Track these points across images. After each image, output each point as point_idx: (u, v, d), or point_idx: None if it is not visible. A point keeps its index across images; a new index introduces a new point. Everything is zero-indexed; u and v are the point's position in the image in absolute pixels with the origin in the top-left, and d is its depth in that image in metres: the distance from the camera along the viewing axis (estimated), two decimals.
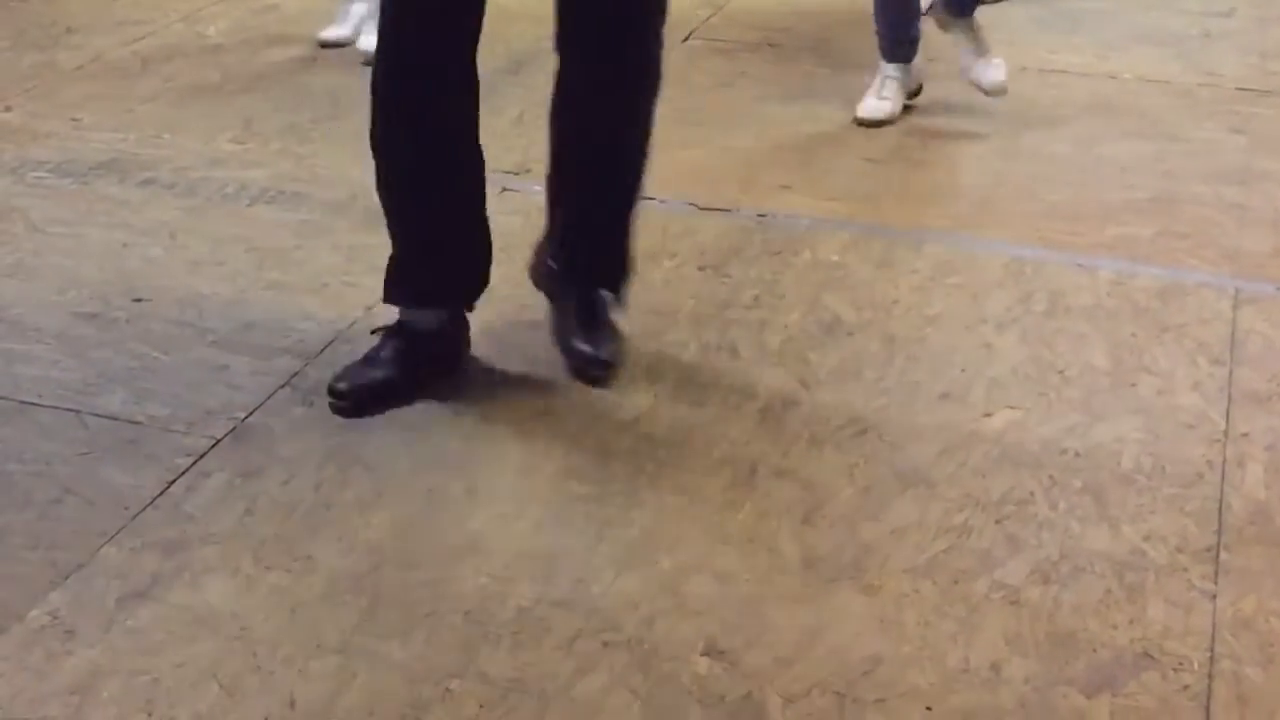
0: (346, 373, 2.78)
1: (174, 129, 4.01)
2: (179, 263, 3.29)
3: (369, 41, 4.36)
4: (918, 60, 3.94)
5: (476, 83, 2.75)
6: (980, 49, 3.88)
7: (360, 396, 2.74)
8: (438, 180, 2.76)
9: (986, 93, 3.90)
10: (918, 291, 3.16)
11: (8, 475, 2.57)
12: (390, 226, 2.82)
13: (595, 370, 2.82)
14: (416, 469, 2.59)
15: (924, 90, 4.02)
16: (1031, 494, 2.52)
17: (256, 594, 2.29)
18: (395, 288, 2.83)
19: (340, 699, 2.09)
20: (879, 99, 3.91)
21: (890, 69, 3.91)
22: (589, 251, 2.89)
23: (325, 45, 4.50)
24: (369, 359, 2.80)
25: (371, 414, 2.72)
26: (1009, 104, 3.86)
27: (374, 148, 2.79)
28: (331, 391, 2.75)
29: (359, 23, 4.48)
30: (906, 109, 3.95)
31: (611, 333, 2.87)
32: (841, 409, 2.75)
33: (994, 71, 3.88)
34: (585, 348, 2.83)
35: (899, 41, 3.88)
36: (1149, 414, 2.74)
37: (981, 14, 3.90)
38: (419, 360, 2.79)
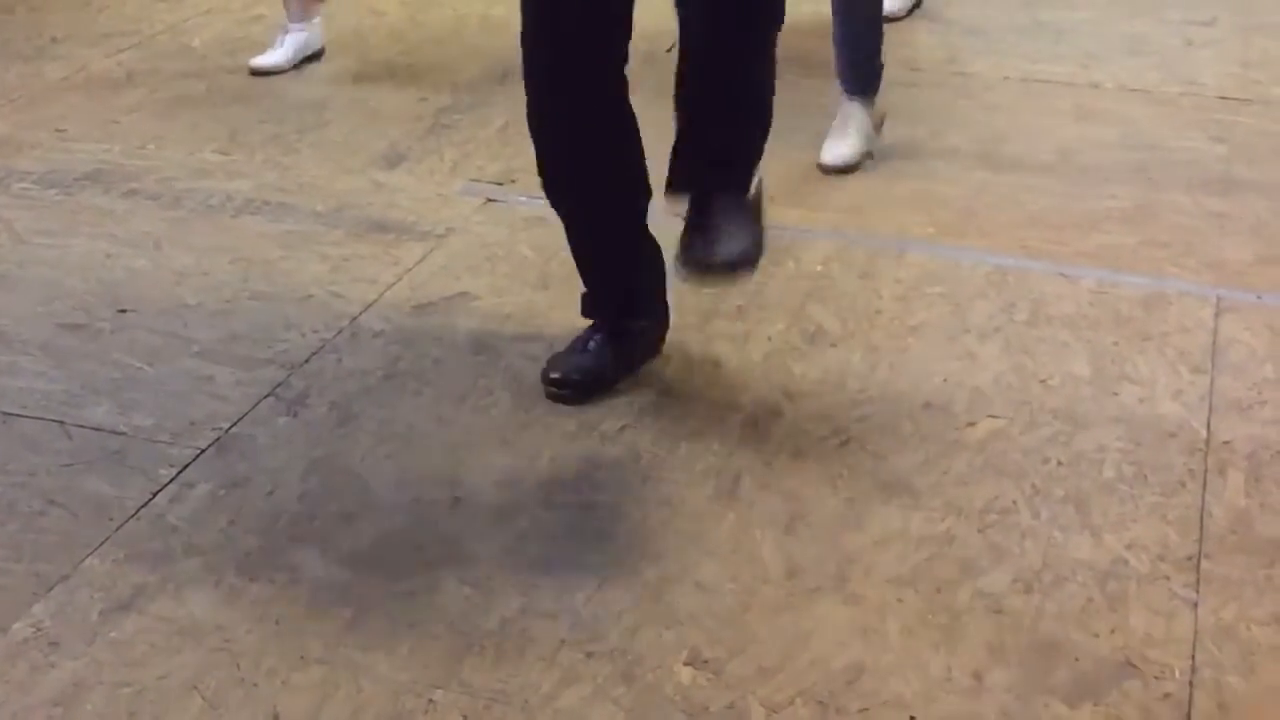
0: (558, 361, 2.84)
1: (159, 140, 4.02)
2: (164, 273, 3.30)
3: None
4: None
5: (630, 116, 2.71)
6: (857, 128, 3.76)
7: (575, 382, 2.80)
8: (601, 206, 2.77)
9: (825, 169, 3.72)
10: (900, 301, 3.17)
11: None
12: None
13: (708, 274, 2.58)
14: (400, 480, 2.59)
15: (903, 98, 4.04)
16: (1014, 503, 2.53)
17: (240, 605, 2.29)
18: (587, 305, 2.90)
19: (324, 710, 2.09)
20: (842, 140, 3.78)
21: (853, 105, 3.79)
22: (703, 172, 2.65)
23: (256, 73, 4.47)
24: (577, 348, 2.85)
25: (585, 401, 2.78)
26: (991, 114, 3.88)
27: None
28: (548, 380, 2.81)
29: (294, 54, 4.50)
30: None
31: (730, 232, 2.54)
32: (825, 419, 2.76)
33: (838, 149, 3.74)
34: (695, 253, 2.55)
35: (861, 74, 3.76)
36: (1131, 423, 2.75)
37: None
38: (625, 351, 2.87)
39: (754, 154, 2.67)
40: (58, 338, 3.04)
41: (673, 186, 2.64)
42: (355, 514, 2.50)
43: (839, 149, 3.75)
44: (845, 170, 3.74)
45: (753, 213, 2.63)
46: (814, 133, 3.79)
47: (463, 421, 2.76)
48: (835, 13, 3.70)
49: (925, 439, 2.70)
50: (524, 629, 2.24)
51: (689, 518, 2.49)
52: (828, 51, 3.74)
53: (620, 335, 2.88)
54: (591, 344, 2.87)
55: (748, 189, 2.65)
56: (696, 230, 2.55)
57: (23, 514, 2.50)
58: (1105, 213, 3.58)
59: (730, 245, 2.51)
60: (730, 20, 2.55)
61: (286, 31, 4.52)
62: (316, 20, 4.55)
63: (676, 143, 2.66)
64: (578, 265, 2.89)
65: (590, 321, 2.90)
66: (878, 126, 3.82)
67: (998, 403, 2.81)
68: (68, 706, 2.10)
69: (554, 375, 2.82)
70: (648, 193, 2.78)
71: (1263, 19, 4.93)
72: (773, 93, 2.70)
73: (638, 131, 2.73)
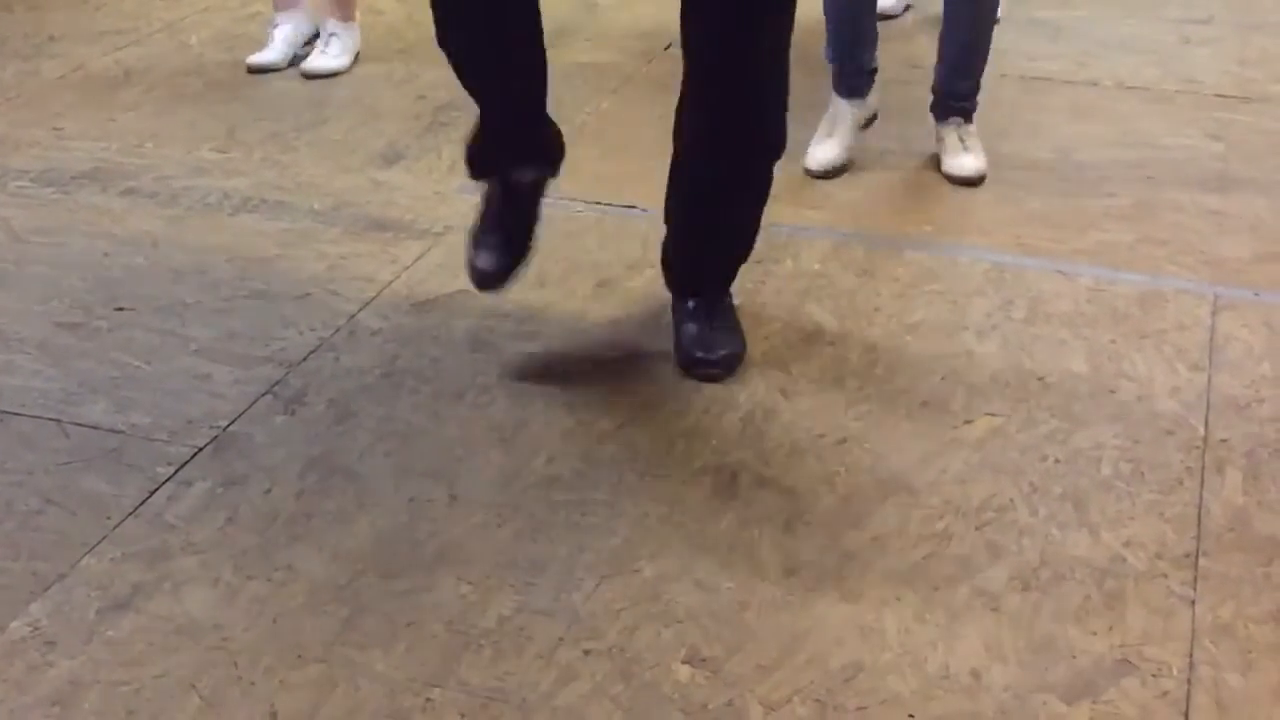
0: (477, 253, 2.85)
1: (156, 138, 4.01)
2: (161, 272, 3.29)
3: (318, 62, 4.42)
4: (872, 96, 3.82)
5: None
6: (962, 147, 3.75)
7: (491, 273, 2.84)
8: (502, 65, 2.73)
9: (961, 181, 3.71)
10: (898, 299, 3.17)
11: None
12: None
13: (702, 370, 2.88)
14: (398, 478, 2.59)
15: (902, 96, 4.03)
16: (1011, 501, 2.53)
17: (237, 604, 2.29)
18: (480, 160, 2.88)
19: (321, 709, 2.09)
20: (826, 138, 3.77)
21: (841, 104, 3.78)
22: (691, 280, 2.97)
23: (253, 71, 4.47)
24: (482, 232, 2.86)
25: (502, 286, 2.87)
26: (989, 111, 3.87)
27: (442, 45, 2.73)
28: (473, 271, 2.85)
29: (287, 48, 4.49)
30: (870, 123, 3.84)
31: (722, 335, 2.91)
32: (822, 417, 2.76)
33: (970, 161, 3.73)
34: (694, 352, 2.89)
35: (852, 72, 3.75)
36: (1128, 420, 2.75)
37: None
38: (527, 210, 2.87)
39: (738, 266, 2.99)
40: (55, 336, 3.04)
41: (670, 283, 2.99)
42: (352, 512, 2.50)
43: (974, 161, 3.75)
44: (833, 173, 3.76)
45: (733, 315, 2.96)
46: (812, 130, 3.79)
47: (460, 419, 2.76)
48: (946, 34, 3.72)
49: (923, 437, 2.70)
50: (521, 627, 2.24)
51: (687, 516, 2.49)
52: (820, 51, 3.74)
53: (519, 193, 2.87)
54: (490, 221, 2.86)
55: (730, 288, 2.99)
56: (691, 343, 2.89)
57: (20, 513, 2.50)
58: (1103, 210, 3.58)
59: (722, 349, 2.89)
60: (730, 151, 2.78)
61: (275, 25, 4.51)
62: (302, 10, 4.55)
63: (667, 242, 2.97)
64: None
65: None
66: (868, 123, 3.82)
67: (995, 400, 2.81)
68: (65, 705, 2.10)
69: (478, 265, 2.84)
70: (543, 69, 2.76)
71: (1260, 17, 4.94)
72: (762, 211, 2.92)
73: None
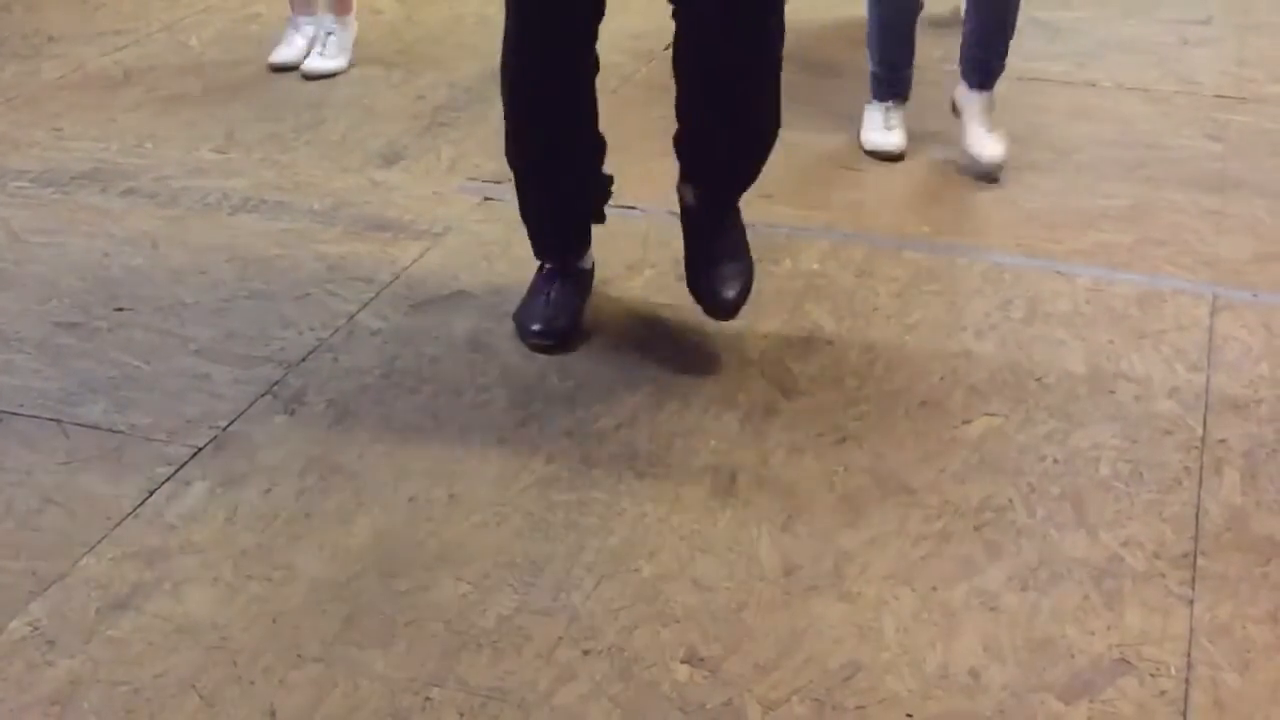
0: (532, 313, 2.98)
1: (156, 138, 4.02)
2: (161, 272, 3.30)
3: (317, 63, 4.44)
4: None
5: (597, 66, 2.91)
6: (988, 125, 3.76)
7: (559, 330, 2.97)
8: (566, 161, 2.93)
9: (984, 168, 3.72)
10: (897, 299, 3.18)
11: None
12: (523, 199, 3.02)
13: (718, 313, 2.90)
14: (397, 477, 2.59)
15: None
16: (1010, 501, 2.53)
17: (237, 603, 2.29)
18: (543, 248, 3.06)
19: (320, 708, 2.10)
20: (887, 129, 3.83)
21: (887, 106, 3.84)
22: (702, 176, 2.91)
23: (276, 69, 4.46)
24: (541, 300, 3.00)
25: (567, 349, 2.96)
26: None
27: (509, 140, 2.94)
28: (531, 333, 2.97)
29: (307, 45, 4.49)
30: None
31: (734, 271, 2.89)
32: (821, 417, 2.76)
33: (994, 146, 3.72)
34: (707, 291, 2.89)
35: (893, 79, 3.81)
36: (1127, 420, 2.76)
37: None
38: (581, 287, 3.07)
39: (750, 174, 2.90)
40: (55, 336, 3.04)
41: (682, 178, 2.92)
42: (352, 512, 2.51)
43: (997, 147, 3.74)
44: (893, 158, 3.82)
45: (744, 240, 2.92)
46: (812, 131, 3.79)
47: (459, 419, 2.76)
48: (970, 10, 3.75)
49: (922, 437, 2.70)
50: (520, 626, 2.25)
51: (685, 515, 2.50)
52: (829, 52, 3.74)
53: (573, 274, 3.04)
54: (553, 292, 3.00)
55: (736, 202, 2.93)
56: (702, 268, 2.88)
57: (20, 512, 2.50)
58: (1101, 211, 3.58)
59: (732, 287, 2.86)
60: (730, 41, 2.69)
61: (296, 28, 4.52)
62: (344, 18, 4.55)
63: (676, 140, 2.86)
64: (532, 216, 3.02)
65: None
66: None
67: (994, 400, 2.81)
68: (65, 705, 2.10)
69: (535, 328, 2.95)
70: (601, 149, 2.98)
71: (1258, 18, 4.95)
72: (776, 120, 2.85)
73: (595, 102, 2.92)
